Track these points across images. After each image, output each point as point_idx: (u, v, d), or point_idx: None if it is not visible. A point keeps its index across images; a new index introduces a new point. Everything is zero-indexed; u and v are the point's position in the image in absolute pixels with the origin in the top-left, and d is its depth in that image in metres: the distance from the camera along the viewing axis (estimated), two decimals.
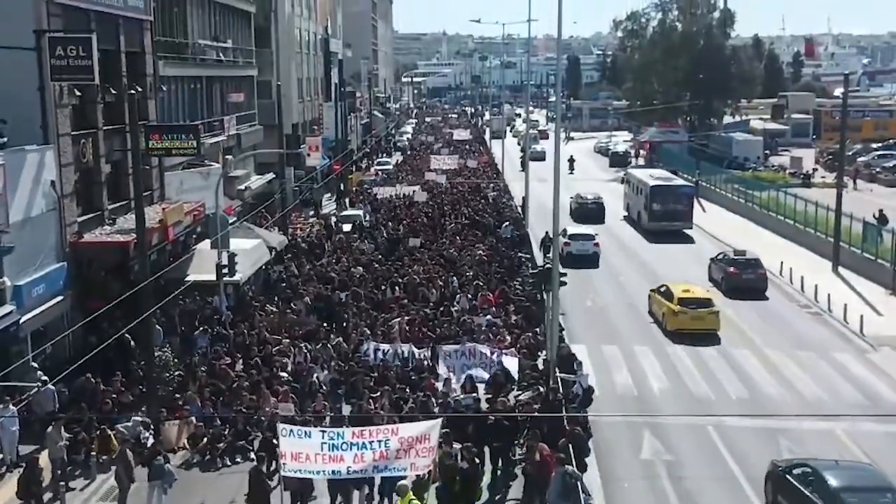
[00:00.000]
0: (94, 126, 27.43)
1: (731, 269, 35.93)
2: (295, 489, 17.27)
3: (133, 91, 23.51)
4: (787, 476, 17.88)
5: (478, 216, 45.86)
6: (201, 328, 26.66)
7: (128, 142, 26.22)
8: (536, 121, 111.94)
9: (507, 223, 43.38)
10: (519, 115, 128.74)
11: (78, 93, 25.81)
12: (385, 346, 24.51)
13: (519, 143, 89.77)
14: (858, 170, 66.64)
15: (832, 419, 22.59)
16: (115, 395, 21.93)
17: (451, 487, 17.36)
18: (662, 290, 31.95)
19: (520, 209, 50.29)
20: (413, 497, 15.79)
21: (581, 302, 34.62)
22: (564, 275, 27.63)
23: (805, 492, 17.02)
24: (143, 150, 25.51)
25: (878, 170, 68.67)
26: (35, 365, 21.93)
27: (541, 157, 72.61)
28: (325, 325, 27.86)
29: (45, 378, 21.19)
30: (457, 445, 18.33)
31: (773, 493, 18.34)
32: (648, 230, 48.67)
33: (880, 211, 44.48)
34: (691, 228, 48.82)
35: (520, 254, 38.34)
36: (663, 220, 48.30)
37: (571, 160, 74.73)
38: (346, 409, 21.69)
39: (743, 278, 35.45)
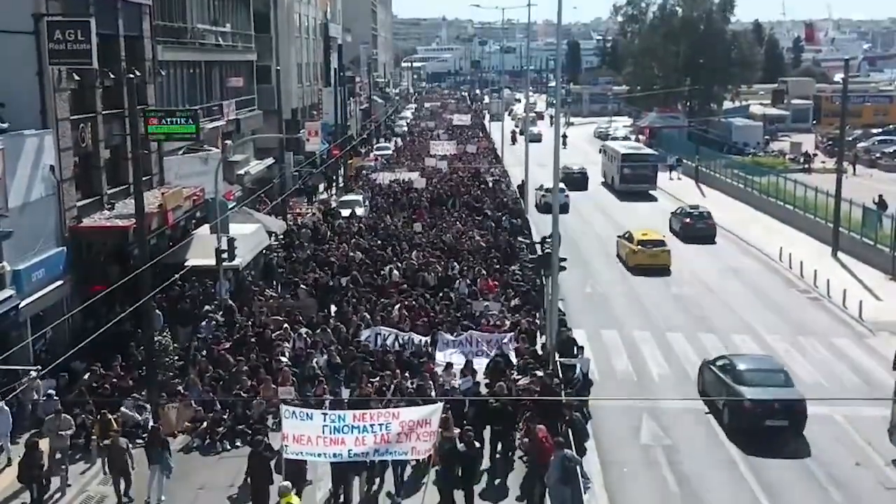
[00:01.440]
0: (93, 111, 27.36)
1: (687, 220, 44.01)
2: (291, 475, 17.29)
3: (132, 75, 23.43)
4: (711, 366, 23.15)
5: (477, 203, 45.83)
6: (205, 315, 26.65)
7: (127, 126, 26.14)
8: (535, 103, 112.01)
9: (505, 214, 43.21)
10: (518, 101, 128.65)
11: (77, 77, 25.72)
12: (385, 331, 24.55)
13: (516, 126, 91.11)
14: (858, 155, 66.55)
15: (831, 404, 22.66)
16: (114, 380, 21.95)
17: (451, 471, 17.42)
18: (626, 235, 39.20)
19: (518, 192, 50.45)
20: (291, 498, 15.69)
21: (581, 288, 34.68)
22: (564, 259, 27.68)
23: (721, 376, 22.29)
24: (142, 134, 25.43)
25: (877, 155, 68.60)
26: (32, 371, 21.70)
27: (537, 139, 72.74)
28: (324, 310, 27.90)
29: (34, 371, 21.03)
30: (456, 430, 18.40)
31: (701, 381, 23.69)
32: (620, 191, 57.56)
33: (880, 196, 44.43)
34: (655, 190, 58.12)
35: (519, 238, 38.33)
36: (632, 182, 57.44)
37: (564, 136, 75.70)
38: (346, 394, 21.73)
39: (696, 227, 43.51)
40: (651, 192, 57.78)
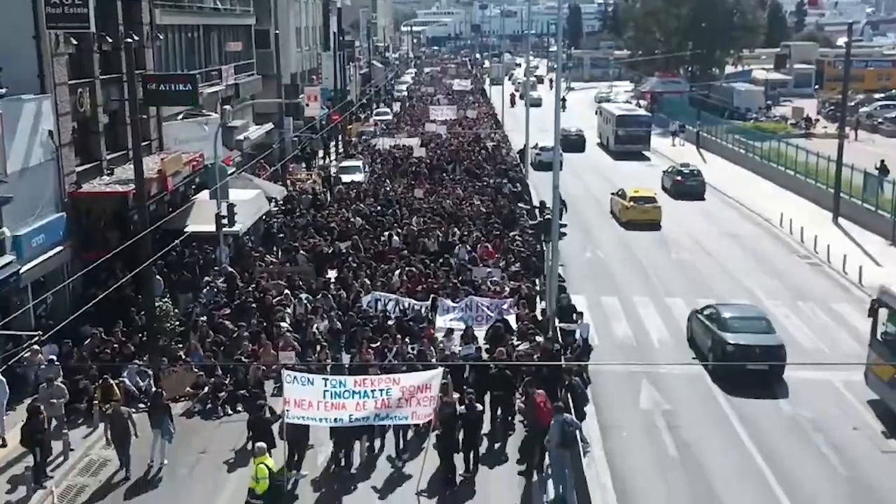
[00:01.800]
0: (91, 75, 27.15)
1: (678, 178, 46.28)
2: (293, 439, 17.43)
3: (130, 40, 23.23)
4: (698, 315, 24.63)
5: (478, 169, 45.69)
6: (206, 283, 26.67)
7: (125, 91, 25.98)
8: (536, 67, 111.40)
9: (505, 180, 43.13)
10: (518, 65, 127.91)
11: (74, 41, 25.47)
12: (385, 297, 24.60)
13: (517, 90, 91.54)
14: (860, 120, 66.22)
15: (830, 369, 22.75)
16: (116, 346, 22.02)
17: (451, 436, 17.55)
18: (619, 192, 41.07)
19: (518, 158, 50.35)
20: (266, 460, 15.76)
21: (581, 254, 34.71)
22: (564, 225, 27.66)
23: (707, 324, 23.69)
24: (140, 99, 25.26)
25: (880, 120, 68.24)
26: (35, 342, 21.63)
27: (537, 103, 72.58)
28: (322, 276, 27.91)
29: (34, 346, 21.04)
30: (456, 395, 18.50)
31: (689, 329, 25.23)
32: (615, 152, 59.49)
33: (882, 162, 44.29)
34: (648, 150, 59.71)
35: (519, 204, 38.27)
36: (627, 143, 59.42)
37: (563, 100, 77.62)
38: (346, 360, 21.83)
39: (686, 185, 45.69)
40: (645, 152, 59.58)
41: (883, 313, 20.92)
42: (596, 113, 70.52)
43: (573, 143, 57.96)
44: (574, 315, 23.47)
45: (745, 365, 21.90)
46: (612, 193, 41.92)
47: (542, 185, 40.69)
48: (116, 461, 18.21)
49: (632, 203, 39.32)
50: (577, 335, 21.98)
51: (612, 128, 61.00)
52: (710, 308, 24.40)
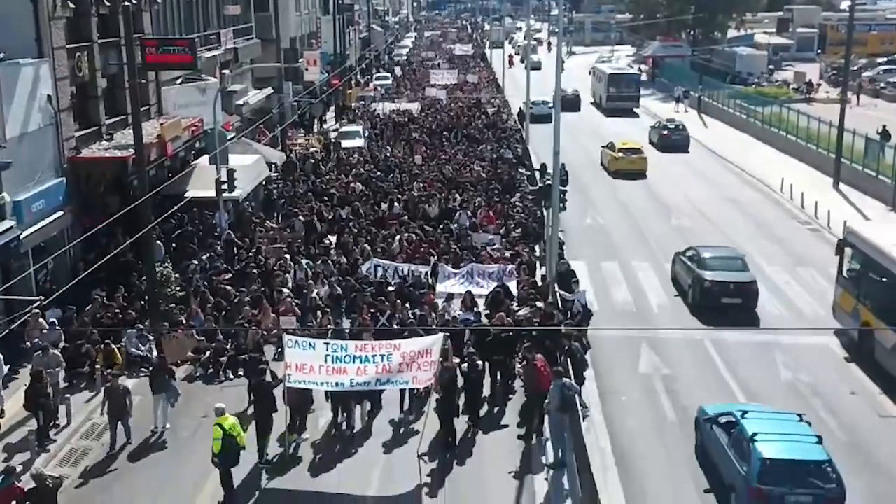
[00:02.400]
0: (89, 39, 26.94)
1: (664, 132, 49.68)
2: (295, 404, 17.54)
3: (128, 3, 23.04)
4: (681, 257, 26.72)
5: (478, 135, 45.50)
6: (210, 245, 26.68)
7: (123, 55, 25.80)
8: (539, 29, 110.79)
9: (505, 146, 43.11)
10: (520, 29, 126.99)
11: (71, 4, 25.26)
12: (385, 264, 24.63)
13: (517, 53, 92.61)
14: (862, 85, 65.80)
15: (829, 333, 22.84)
16: (117, 311, 22.08)
17: (451, 400, 17.67)
18: (609, 145, 44.32)
19: (518, 122, 50.22)
20: (223, 420, 15.77)
21: (581, 219, 34.69)
22: (565, 192, 27.66)
23: (689, 264, 25.87)
24: (139, 63, 25.08)
25: (882, 85, 67.76)
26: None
27: (537, 66, 72.42)
28: (313, 241, 27.90)
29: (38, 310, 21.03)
30: (456, 360, 18.60)
31: (673, 270, 27.27)
32: (607, 109, 63.22)
33: (884, 127, 44.12)
34: (638, 107, 63.77)
35: (520, 170, 38.19)
36: (618, 100, 63.27)
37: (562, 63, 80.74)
38: (347, 325, 21.92)
39: (671, 139, 48.97)
40: (634, 109, 63.40)
41: (848, 252, 23.18)
42: (590, 73, 73.37)
43: (569, 102, 59.38)
44: (571, 282, 23.44)
45: (720, 298, 24.40)
46: (603, 146, 44.98)
47: (534, 136, 45.82)
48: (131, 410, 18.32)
49: (620, 154, 42.84)
50: (576, 304, 22.00)
51: (604, 86, 64.74)
52: (692, 250, 26.54)
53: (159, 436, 18.19)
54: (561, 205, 31.33)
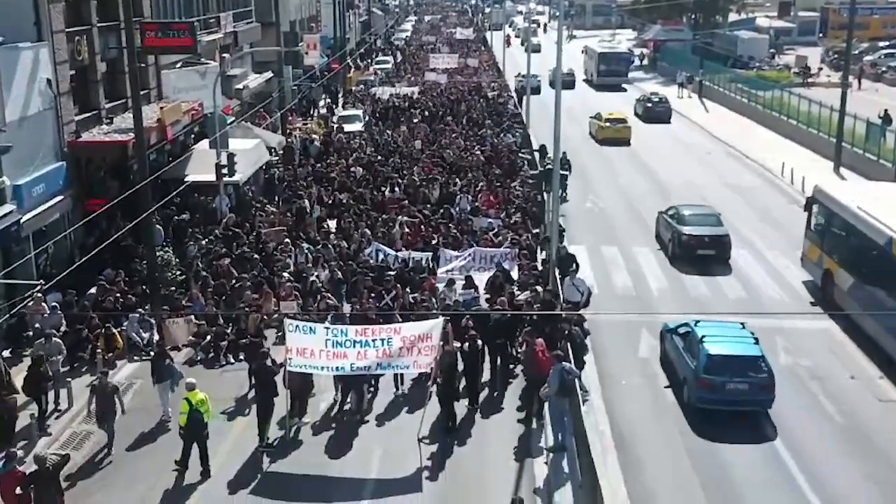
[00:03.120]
0: (89, 23, 26.87)
1: (648, 105, 54.21)
2: (296, 388, 17.60)
3: None
4: (663, 214, 29.38)
5: (479, 120, 45.39)
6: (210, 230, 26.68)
7: (123, 39, 25.72)
8: (542, 12, 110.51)
9: (506, 130, 43.09)
10: (520, 13, 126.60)
11: None
12: (386, 250, 24.63)
13: (516, 36, 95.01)
14: (864, 69, 65.54)
15: (829, 319, 22.86)
16: (118, 295, 22.10)
17: (452, 384, 17.71)
18: (596, 115, 48.52)
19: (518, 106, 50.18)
20: (192, 395, 16.03)
21: (581, 203, 34.66)
22: (566, 176, 27.67)
23: (669, 221, 28.53)
24: (138, 47, 25.02)
25: (884, 69, 67.48)
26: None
27: (537, 48, 72.58)
28: (325, 225, 27.94)
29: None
30: (457, 344, 18.63)
31: (656, 227, 29.98)
32: (597, 85, 67.64)
33: (885, 111, 43.99)
34: (627, 83, 68.11)
35: (520, 154, 38.13)
36: (607, 76, 67.86)
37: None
38: (347, 309, 21.93)
39: (655, 111, 53.58)
40: (623, 85, 67.66)
41: (814, 209, 25.71)
42: (582, 52, 77.10)
43: (565, 81, 60.42)
44: (571, 268, 23.31)
45: (696, 250, 27.17)
46: (591, 117, 49.18)
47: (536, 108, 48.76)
48: (119, 410, 18.32)
49: (607, 124, 47.01)
50: (579, 294, 21.96)
51: (595, 64, 69.39)
52: (673, 209, 29.25)
53: (166, 423, 18.08)
54: (563, 193, 31.45)
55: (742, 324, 19.38)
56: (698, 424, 18.05)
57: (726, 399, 17.94)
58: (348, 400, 18.48)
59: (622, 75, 68.75)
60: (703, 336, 18.57)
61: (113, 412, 17.00)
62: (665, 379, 20.11)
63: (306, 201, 29.79)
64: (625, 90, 65.48)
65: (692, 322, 19.71)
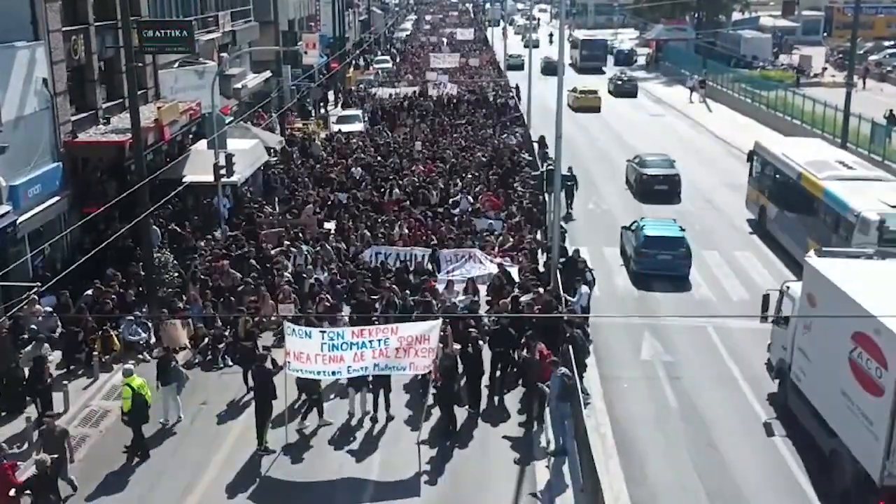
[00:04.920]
0: (85, 22, 26.68)
1: (618, 82, 65.84)
2: (302, 384, 17.44)
3: None
4: (631, 162, 37.42)
5: (481, 120, 45.22)
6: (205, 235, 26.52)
7: (120, 38, 25.51)
8: (544, 9, 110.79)
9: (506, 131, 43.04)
10: (520, 11, 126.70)
11: None
12: (385, 250, 24.41)
13: (517, 33, 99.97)
14: (869, 69, 65.23)
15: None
16: (114, 297, 21.88)
17: (451, 387, 17.50)
18: (573, 89, 57.62)
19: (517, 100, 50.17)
20: (131, 381, 16.32)
21: (583, 205, 34.41)
22: (566, 176, 27.49)
23: (636, 166, 36.47)
24: (135, 46, 24.80)
25: (889, 69, 67.19)
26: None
27: (535, 44, 73.20)
28: (324, 226, 27.72)
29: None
30: (457, 346, 18.42)
31: (626, 173, 37.83)
32: (580, 68, 77.78)
33: (890, 111, 43.72)
34: (605, 66, 79.50)
35: (521, 154, 37.91)
36: (589, 60, 79.42)
37: (551, 35, 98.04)
38: (346, 311, 21.71)
39: (623, 87, 64.98)
40: (602, 68, 78.40)
41: (754, 159, 31.79)
42: (568, 39, 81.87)
43: (554, 68, 66.78)
44: (575, 279, 22.82)
45: (653, 186, 35.13)
46: (569, 90, 55.66)
47: (512, 77, 62.24)
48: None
49: (581, 95, 57.66)
50: (578, 306, 21.70)
51: (578, 50, 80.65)
52: (637, 156, 37.23)
53: (171, 426, 17.88)
54: (569, 209, 31.47)
55: (674, 219, 28.01)
56: (700, 429, 17.84)
57: (656, 266, 25.72)
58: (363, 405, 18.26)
59: (601, 59, 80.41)
60: (644, 225, 26.74)
61: (63, 459, 15.05)
62: (664, 378, 19.97)
63: (310, 206, 29.57)
64: (603, 72, 75.35)
65: (639, 219, 27.99)
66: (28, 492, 14.08)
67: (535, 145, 39.69)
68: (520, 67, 63.45)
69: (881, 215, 22.19)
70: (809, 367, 16.67)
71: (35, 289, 20.79)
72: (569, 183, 31.51)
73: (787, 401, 17.98)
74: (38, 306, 20.66)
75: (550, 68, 68.32)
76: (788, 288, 18.71)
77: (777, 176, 29.08)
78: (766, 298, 19.29)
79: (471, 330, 18.61)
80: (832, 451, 15.57)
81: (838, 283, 15.54)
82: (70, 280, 19.94)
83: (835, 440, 15.39)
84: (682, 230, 26.70)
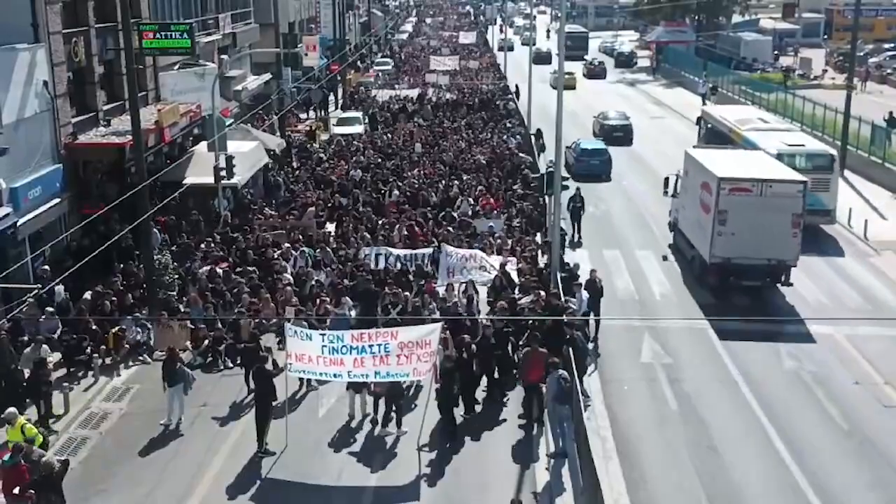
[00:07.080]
0: (86, 24, 26.69)
1: (591, 66, 78.15)
2: (389, 392, 17.49)
3: None
4: (597, 117, 49.36)
5: (481, 122, 45.25)
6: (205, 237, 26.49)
7: (120, 40, 25.53)
8: (544, 11, 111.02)
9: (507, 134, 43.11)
10: (520, 13, 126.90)
11: None
12: (385, 251, 24.38)
13: (516, 34, 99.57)
14: (869, 71, 65.22)
15: (832, 323, 22.63)
16: (114, 298, 21.88)
17: (451, 390, 17.49)
18: (553, 71, 63.25)
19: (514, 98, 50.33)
20: (25, 423, 15.61)
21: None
22: (567, 178, 27.47)
23: (600, 120, 48.72)
24: (136, 48, 24.82)
25: (889, 71, 67.15)
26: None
27: (532, 41, 74.29)
28: (325, 229, 27.72)
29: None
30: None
31: (593, 127, 48.89)
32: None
33: (890, 113, 43.70)
34: (586, 54, 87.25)
35: (521, 155, 37.92)
36: (570, 50, 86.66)
37: (549, 31, 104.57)
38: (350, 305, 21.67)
39: (595, 70, 77.60)
40: (584, 56, 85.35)
41: (702, 123, 40.24)
42: (555, 32, 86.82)
43: (543, 57, 78.44)
44: (573, 284, 22.81)
45: (612, 133, 46.06)
46: (550, 72, 64.64)
47: (501, 58, 69.68)
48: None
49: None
50: (578, 300, 21.71)
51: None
52: (602, 113, 49.10)
53: (175, 427, 17.87)
54: (578, 236, 30.25)
55: (603, 139, 42.52)
56: (700, 431, 17.77)
57: (588, 169, 37.81)
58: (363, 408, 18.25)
59: (582, 49, 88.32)
60: (580, 145, 39.96)
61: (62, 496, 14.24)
62: (665, 380, 19.98)
63: (311, 208, 29.57)
64: (584, 59, 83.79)
65: (579, 139, 40.75)
66: (32, 491, 14.05)
67: (532, 137, 41.80)
68: (510, 48, 72.44)
69: (778, 150, 29.57)
70: (683, 213, 28.03)
71: (36, 291, 20.81)
72: (577, 205, 29.85)
73: (675, 241, 29.02)
74: (37, 309, 20.63)
75: (542, 59, 77.07)
76: (678, 171, 28.92)
77: (716, 130, 36.89)
78: (666, 180, 30.18)
79: (464, 336, 18.57)
80: (693, 256, 26.57)
81: (696, 157, 27.14)
82: (69, 281, 19.94)
83: (693, 250, 26.37)
84: (605, 145, 39.89)
